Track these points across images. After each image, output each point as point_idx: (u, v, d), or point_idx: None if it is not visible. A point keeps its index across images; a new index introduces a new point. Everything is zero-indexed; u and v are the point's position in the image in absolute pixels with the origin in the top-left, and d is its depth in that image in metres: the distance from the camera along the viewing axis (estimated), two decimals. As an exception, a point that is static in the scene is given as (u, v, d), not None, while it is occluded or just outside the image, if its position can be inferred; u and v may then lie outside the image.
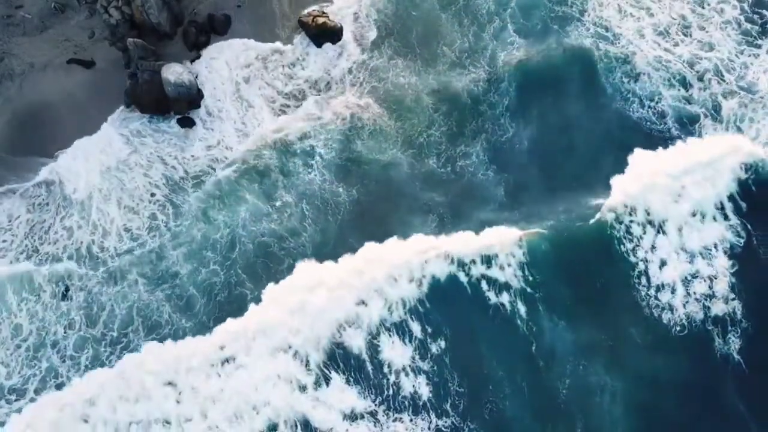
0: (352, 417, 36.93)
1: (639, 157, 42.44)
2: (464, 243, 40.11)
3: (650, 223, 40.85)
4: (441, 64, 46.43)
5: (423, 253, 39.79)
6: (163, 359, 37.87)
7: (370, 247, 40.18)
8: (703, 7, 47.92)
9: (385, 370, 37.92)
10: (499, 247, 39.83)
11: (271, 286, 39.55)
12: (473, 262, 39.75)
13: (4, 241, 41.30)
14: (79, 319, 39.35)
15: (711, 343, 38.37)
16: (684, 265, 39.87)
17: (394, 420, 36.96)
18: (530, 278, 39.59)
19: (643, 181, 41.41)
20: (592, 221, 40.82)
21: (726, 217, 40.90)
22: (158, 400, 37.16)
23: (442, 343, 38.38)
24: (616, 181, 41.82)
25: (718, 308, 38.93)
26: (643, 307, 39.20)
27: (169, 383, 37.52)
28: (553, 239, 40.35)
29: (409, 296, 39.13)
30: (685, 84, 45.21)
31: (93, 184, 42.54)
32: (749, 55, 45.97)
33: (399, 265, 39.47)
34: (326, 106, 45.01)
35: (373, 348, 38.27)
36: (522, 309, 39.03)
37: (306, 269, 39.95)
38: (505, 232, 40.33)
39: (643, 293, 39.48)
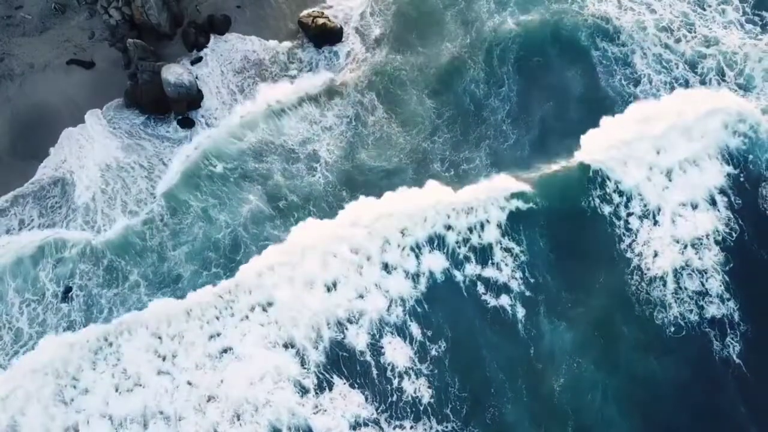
0: (355, 425, 36.72)
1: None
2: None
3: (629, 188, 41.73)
4: (443, 62, 46.49)
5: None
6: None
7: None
8: (704, 9, 48.09)
9: (388, 373, 37.80)
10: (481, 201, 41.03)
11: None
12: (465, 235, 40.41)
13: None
14: (79, 320, 39.17)
15: (710, 346, 38.43)
16: (677, 255, 40.10)
17: (395, 428, 36.75)
18: (527, 275, 39.89)
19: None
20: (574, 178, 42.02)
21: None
22: (153, 391, 37.08)
23: (442, 344, 38.32)
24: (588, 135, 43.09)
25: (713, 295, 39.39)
26: (635, 302, 39.36)
27: (166, 372, 37.48)
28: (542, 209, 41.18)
29: (408, 293, 39.27)
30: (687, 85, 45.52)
31: (92, 175, 42.78)
32: (750, 46, 46.25)
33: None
34: (328, 108, 45.04)
35: (374, 350, 38.24)
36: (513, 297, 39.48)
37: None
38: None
39: (636, 286, 39.75)
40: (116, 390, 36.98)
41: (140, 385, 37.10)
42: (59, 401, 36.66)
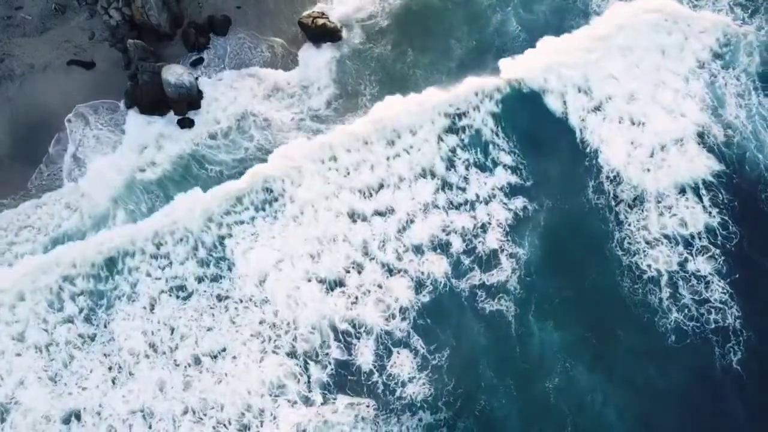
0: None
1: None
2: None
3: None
4: (449, 63, 46.45)
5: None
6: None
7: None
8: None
9: (385, 376, 37.85)
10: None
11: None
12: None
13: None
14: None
15: (711, 353, 38.25)
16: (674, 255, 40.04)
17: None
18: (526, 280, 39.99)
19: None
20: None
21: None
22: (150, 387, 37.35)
23: (444, 351, 38.40)
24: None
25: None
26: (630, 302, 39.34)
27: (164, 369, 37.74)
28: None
29: (408, 301, 39.30)
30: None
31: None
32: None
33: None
34: (330, 118, 44.81)
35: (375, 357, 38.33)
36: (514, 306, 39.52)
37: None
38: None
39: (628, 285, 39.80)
40: (113, 383, 37.35)
41: (134, 378, 37.42)
42: (54, 380, 37.35)
